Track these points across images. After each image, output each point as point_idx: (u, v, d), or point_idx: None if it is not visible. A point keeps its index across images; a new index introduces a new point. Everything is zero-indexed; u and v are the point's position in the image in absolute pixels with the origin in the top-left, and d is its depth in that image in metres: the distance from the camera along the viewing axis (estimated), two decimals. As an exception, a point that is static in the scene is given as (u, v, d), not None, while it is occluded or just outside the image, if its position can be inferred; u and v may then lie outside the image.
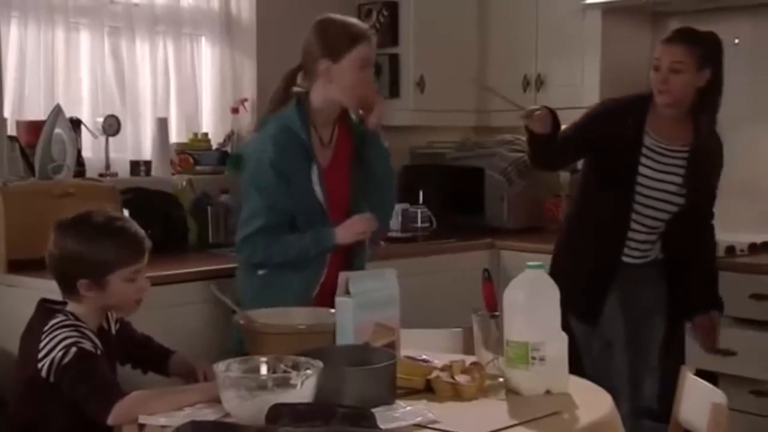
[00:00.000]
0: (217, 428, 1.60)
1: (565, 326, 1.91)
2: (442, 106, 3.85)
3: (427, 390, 1.84)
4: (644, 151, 2.67)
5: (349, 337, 1.94)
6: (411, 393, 1.82)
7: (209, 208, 3.38)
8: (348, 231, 2.46)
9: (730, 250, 3.18)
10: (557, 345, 1.86)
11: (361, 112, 2.55)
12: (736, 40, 3.51)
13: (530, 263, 1.90)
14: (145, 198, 3.12)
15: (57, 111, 2.94)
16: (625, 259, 2.74)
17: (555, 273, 1.93)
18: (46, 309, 2.03)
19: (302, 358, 1.72)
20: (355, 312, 1.94)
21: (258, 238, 2.44)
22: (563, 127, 2.77)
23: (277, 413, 1.54)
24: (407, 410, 1.71)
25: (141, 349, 2.15)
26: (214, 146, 3.61)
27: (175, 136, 3.51)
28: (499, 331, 1.91)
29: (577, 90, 3.65)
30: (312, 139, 2.49)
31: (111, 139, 3.24)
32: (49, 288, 2.46)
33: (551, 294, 1.88)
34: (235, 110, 3.63)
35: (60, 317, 1.97)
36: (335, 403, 1.62)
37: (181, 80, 3.54)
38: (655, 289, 2.76)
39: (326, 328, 2.02)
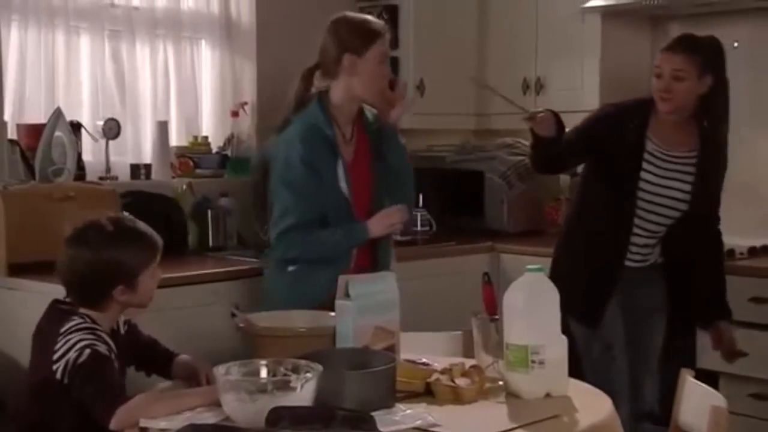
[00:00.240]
0: (217, 431, 1.60)
1: (565, 329, 1.91)
2: (441, 109, 3.85)
3: (427, 393, 1.84)
4: (646, 156, 2.67)
5: (349, 340, 1.95)
6: (411, 396, 1.82)
7: (209, 211, 3.38)
8: (380, 224, 2.52)
9: (730, 253, 3.18)
10: (557, 348, 1.86)
11: (377, 109, 2.61)
12: (735, 44, 3.51)
13: (530, 266, 1.91)
14: (145, 201, 3.12)
15: (57, 114, 2.94)
16: (626, 263, 2.74)
17: (555, 276, 1.93)
18: (59, 311, 2.04)
19: (302, 362, 1.72)
20: (354, 315, 1.95)
21: (292, 234, 2.49)
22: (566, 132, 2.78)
23: (277, 416, 1.54)
24: (407, 413, 1.71)
25: (146, 351, 2.15)
26: (214, 149, 3.61)
27: (175, 140, 3.52)
28: (499, 335, 1.91)
29: (577, 93, 3.66)
30: (336, 135, 2.55)
31: (111, 142, 3.24)
32: (49, 291, 2.46)
33: (551, 297, 1.88)
34: (235, 113, 3.63)
35: (77, 320, 1.98)
36: (335, 406, 1.62)
37: (181, 83, 3.54)
38: (656, 292, 2.75)
39: (326, 331, 2.02)
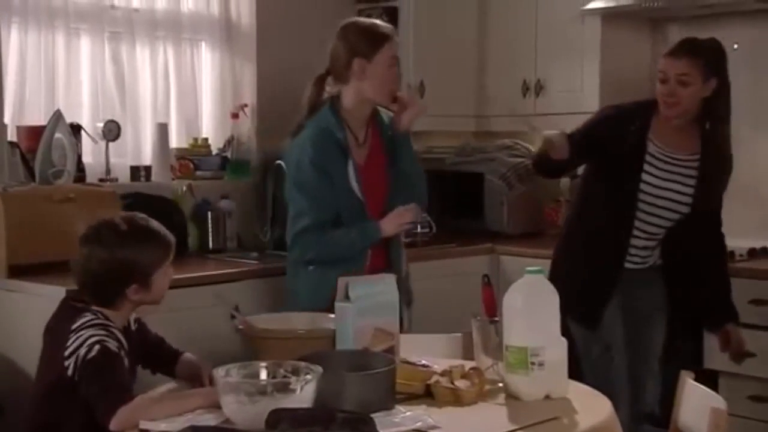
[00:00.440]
0: (217, 433, 1.61)
1: (564, 330, 1.91)
2: (441, 111, 3.85)
3: (427, 395, 1.84)
4: (647, 158, 2.67)
5: (349, 342, 1.95)
6: (410, 398, 1.82)
7: (209, 213, 3.38)
8: (392, 223, 2.57)
9: (730, 255, 3.17)
10: (557, 350, 1.86)
11: (393, 110, 2.66)
12: (735, 46, 3.50)
13: (530, 268, 1.91)
14: (145, 203, 3.11)
15: (57, 116, 2.94)
16: (626, 264, 2.74)
17: (554, 277, 1.94)
18: (71, 308, 2.04)
19: (302, 363, 1.72)
20: (354, 317, 1.95)
21: (307, 235, 2.55)
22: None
23: (277, 418, 1.54)
24: (407, 415, 1.71)
25: (153, 349, 2.16)
26: (214, 151, 3.61)
27: (175, 142, 3.52)
28: (498, 336, 1.91)
29: (577, 95, 3.66)
30: (347, 138, 2.60)
31: (111, 144, 3.24)
32: (50, 293, 2.47)
33: (551, 299, 1.88)
34: (235, 115, 3.63)
35: (89, 316, 1.99)
36: (335, 408, 1.62)
37: (181, 85, 3.54)
38: (656, 293, 2.76)
39: (326, 333, 2.02)
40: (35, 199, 2.76)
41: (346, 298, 1.97)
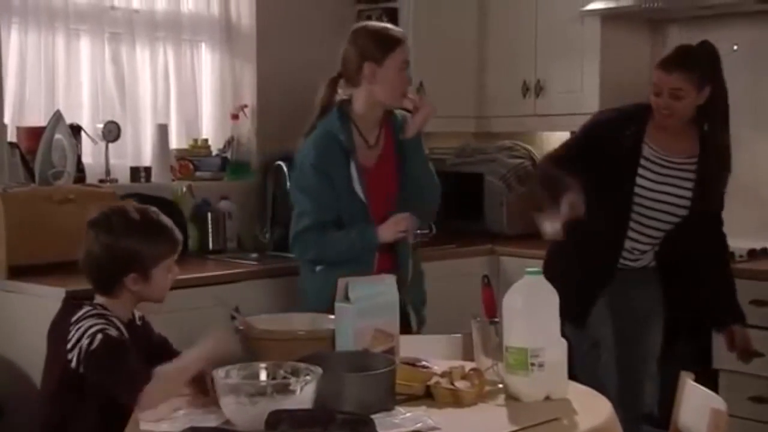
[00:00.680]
0: (217, 434, 1.61)
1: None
2: (441, 111, 3.79)
3: (427, 396, 1.84)
4: (642, 161, 2.67)
5: (349, 342, 1.95)
6: (410, 399, 1.82)
7: (209, 214, 3.38)
8: (389, 230, 2.58)
9: (730, 256, 3.18)
10: (557, 351, 1.86)
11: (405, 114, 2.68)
12: (735, 47, 3.51)
13: (529, 269, 1.91)
14: (144, 204, 3.12)
15: (57, 117, 2.95)
16: (623, 263, 2.74)
17: (546, 277, 1.93)
18: (72, 305, 2.06)
19: (301, 364, 1.72)
20: (354, 318, 1.95)
21: (308, 234, 2.59)
22: (564, 141, 2.85)
23: (277, 419, 1.54)
24: (407, 416, 1.71)
25: (156, 349, 2.16)
26: (214, 152, 3.61)
27: (175, 142, 3.52)
28: (498, 337, 1.91)
29: (577, 96, 3.66)
30: (354, 140, 2.62)
31: (111, 145, 3.24)
32: (49, 293, 2.47)
33: (550, 300, 1.88)
34: (235, 116, 3.63)
35: (87, 308, 2.01)
36: (334, 409, 1.62)
37: (181, 86, 3.54)
38: (652, 293, 2.75)
39: (325, 333, 2.02)
40: (35, 200, 2.76)
41: (346, 298, 1.97)
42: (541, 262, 2.73)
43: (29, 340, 2.57)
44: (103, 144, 3.23)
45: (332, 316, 2.02)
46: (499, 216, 3.81)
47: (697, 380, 1.99)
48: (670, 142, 2.69)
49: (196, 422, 1.68)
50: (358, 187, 2.58)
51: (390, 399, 1.76)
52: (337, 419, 1.54)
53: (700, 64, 2.62)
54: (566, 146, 2.86)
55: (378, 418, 1.62)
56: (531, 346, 1.82)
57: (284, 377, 1.70)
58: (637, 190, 2.67)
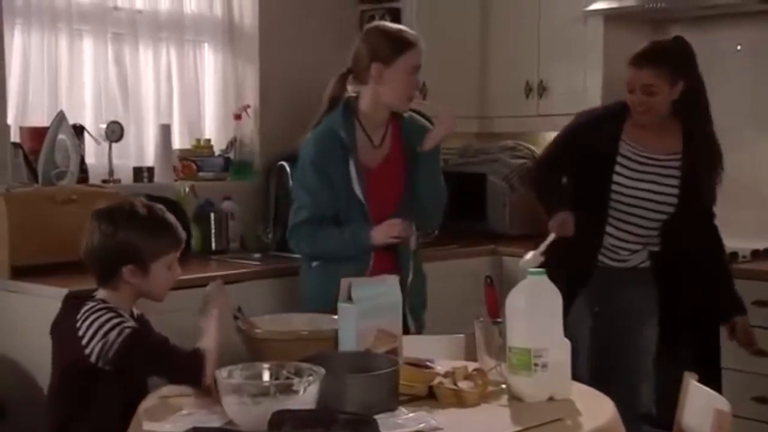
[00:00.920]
0: (220, 434, 1.61)
1: None
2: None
3: (430, 396, 1.84)
4: (620, 159, 2.68)
5: (352, 343, 1.95)
6: (413, 399, 1.82)
7: (212, 214, 3.38)
8: (382, 233, 2.57)
9: (733, 256, 3.17)
10: (560, 351, 1.86)
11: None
12: (738, 47, 3.51)
13: (532, 269, 1.91)
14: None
15: (60, 117, 2.95)
16: (608, 262, 2.74)
17: None
18: (72, 303, 2.07)
19: (304, 365, 1.72)
20: (357, 318, 1.94)
21: (303, 228, 2.60)
22: (547, 145, 2.88)
23: (280, 419, 1.53)
24: (410, 417, 1.71)
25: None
26: (217, 153, 3.61)
27: (177, 143, 3.52)
28: (502, 338, 1.90)
29: (580, 96, 3.65)
30: (357, 139, 2.61)
31: (114, 145, 3.24)
32: (52, 294, 2.47)
33: (553, 300, 1.88)
34: (237, 116, 3.63)
35: (90, 303, 2.02)
36: (337, 409, 1.62)
37: (184, 87, 3.54)
38: (642, 293, 2.74)
39: (328, 334, 2.02)
40: (38, 200, 2.76)
41: (349, 299, 1.97)
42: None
43: (32, 340, 2.57)
44: (106, 144, 3.23)
45: (335, 317, 2.02)
46: (502, 216, 3.81)
47: (700, 381, 1.99)
48: (649, 139, 2.70)
49: (199, 422, 1.68)
50: (357, 187, 2.57)
51: (393, 399, 1.76)
52: (339, 420, 1.54)
53: (670, 59, 2.63)
54: (549, 150, 2.90)
55: (381, 419, 1.62)
56: (534, 346, 1.82)
57: (287, 377, 1.70)
58: (614, 187, 2.68)
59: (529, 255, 2.59)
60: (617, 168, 2.68)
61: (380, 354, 1.92)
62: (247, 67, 3.68)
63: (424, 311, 2.74)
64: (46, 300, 2.50)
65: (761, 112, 3.55)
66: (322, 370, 1.67)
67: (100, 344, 1.94)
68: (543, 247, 2.59)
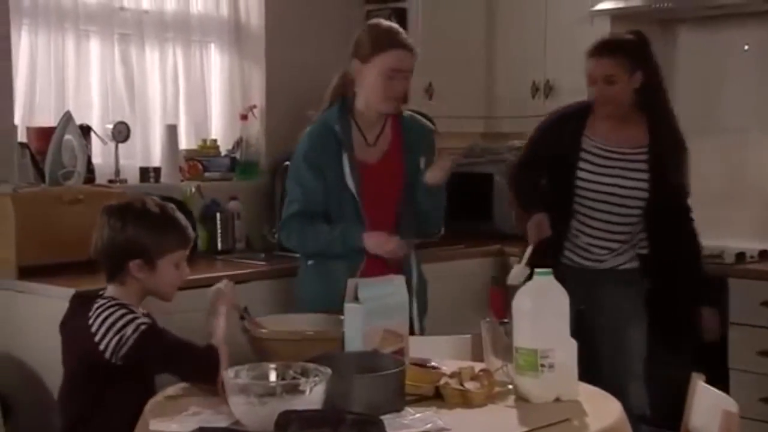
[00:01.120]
0: (226, 434, 1.61)
1: None
2: (450, 112, 3.84)
3: (436, 397, 1.84)
4: (582, 155, 2.72)
5: (358, 343, 1.94)
6: (420, 400, 1.82)
7: (218, 214, 3.39)
8: (376, 243, 2.51)
9: (740, 257, 3.17)
10: (566, 352, 1.86)
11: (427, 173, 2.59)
12: (746, 47, 3.50)
13: (539, 270, 1.90)
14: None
15: (67, 117, 2.95)
16: (580, 262, 2.76)
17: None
18: (80, 302, 2.09)
19: (311, 365, 1.71)
20: (363, 318, 1.94)
21: (294, 222, 2.58)
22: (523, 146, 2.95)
23: (287, 420, 1.53)
24: (416, 417, 1.71)
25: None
26: (223, 153, 3.62)
27: (184, 143, 3.52)
28: (508, 338, 1.90)
29: (586, 96, 3.64)
30: (353, 136, 2.58)
31: (120, 145, 3.25)
32: (59, 294, 2.47)
33: (560, 301, 1.88)
34: (244, 117, 3.63)
35: (102, 300, 2.04)
36: (344, 409, 1.62)
37: (191, 87, 3.55)
38: (622, 295, 2.74)
39: (335, 334, 2.02)
40: (45, 200, 2.77)
41: (356, 299, 1.97)
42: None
43: (38, 340, 2.58)
44: (112, 144, 3.23)
45: (341, 317, 2.02)
46: (508, 216, 3.80)
47: (707, 381, 1.99)
48: (613, 133, 2.74)
49: (206, 422, 1.69)
50: (350, 182, 2.54)
51: (399, 400, 1.76)
52: (346, 420, 1.54)
53: (628, 49, 2.71)
54: (523, 151, 2.96)
55: (387, 419, 1.62)
56: (541, 347, 1.82)
57: (294, 378, 1.70)
58: (579, 183, 2.71)
59: (515, 270, 2.62)
60: (580, 164, 2.72)
61: (387, 354, 1.91)
62: (253, 67, 3.69)
63: (425, 316, 2.69)
64: (52, 300, 2.51)
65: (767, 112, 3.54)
66: (329, 371, 1.67)
67: (115, 339, 1.95)
68: (525, 259, 2.62)
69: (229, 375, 1.69)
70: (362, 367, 1.81)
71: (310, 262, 2.64)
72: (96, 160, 3.21)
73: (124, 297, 2.06)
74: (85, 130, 3.11)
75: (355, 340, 1.95)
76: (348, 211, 2.55)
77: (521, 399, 1.84)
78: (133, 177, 3.32)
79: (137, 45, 3.38)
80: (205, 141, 3.59)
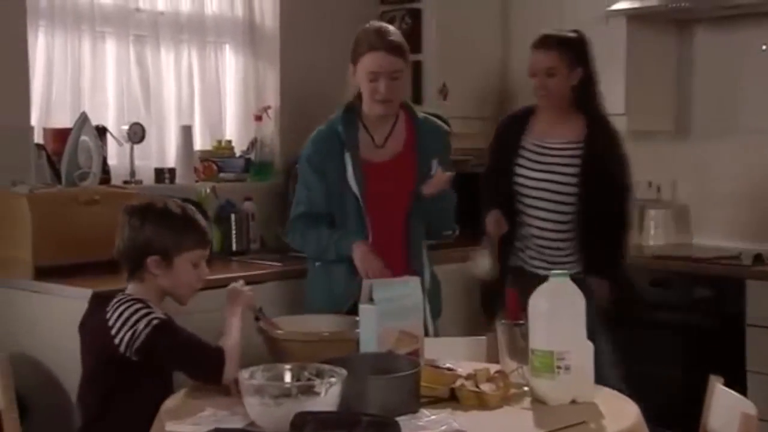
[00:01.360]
0: (242, 435, 1.61)
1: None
2: (464, 113, 3.83)
3: (452, 398, 1.83)
4: (521, 151, 2.81)
5: (373, 344, 1.94)
6: (435, 401, 1.81)
7: (233, 215, 3.39)
8: (362, 261, 2.48)
9: (758, 258, 3.14)
10: (583, 354, 1.85)
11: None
12: (764, 47, 3.47)
13: (554, 272, 1.89)
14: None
15: (83, 119, 2.96)
16: (535, 265, 2.80)
17: None
18: (99, 301, 2.11)
19: (326, 366, 1.71)
20: (378, 320, 1.94)
21: (299, 223, 2.61)
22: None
23: (302, 421, 1.53)
24: (432, 419, 1.71)
25: None
26: (238, 153, 3.62)
27: (199, 144, 3.53)
28: (524, 340, 1.89)
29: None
30: (359, 137, 2.58)
31: (136, 146, 3.25)
32: (75, 294, 2.48)
33: (576, 302, 1.87)
34: (258, 117, 3.64)
35: (119, 296, 2.07)
36: (359, 411, 1.61)
37: (205, 88, 3.56)
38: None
39: (350, 335, 2.01)
40: (61, 201, 2.78)
41: (370, 300, 1.96)
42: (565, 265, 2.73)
43: (55, 340, 2.59)
44: (128, 145, 3.24)
45: (357, 318, 2.02)
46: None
47: (725, 384, 1.97)
48: (548, 129, 2.83)
49: (221, 423, 1.69)
50: (352, 182, 2.54)
51: (415, 401, 1.76)
52: (362, 422, 1.53)
53: (572, 45, 2.81)
54: (486, 159, 3.05)
55: (403, 421, 1.62)
56: (557, 349, 1.81)
57: (309, 379, 1.70)
58: (518, 179, 2.79)
59: (480, 262, 2.74)
60: (519, 160, 2.80)
61: (402, 355, 1.91)
62: (267, 68, 3.69)
63: (438, 319, 2.67)
64: (68, 300, 2.52)
65: (786, 113, 3.51)
66: (344, 372, 1.67)
67: (128, 333, 1.97)
68: (491, 254, 2.73)
69: (244, 376, 1.68)
70: (377, 369, 1.80)
71: (317, 264, 2.65)
72: (111, 161, 3.22)
73: (142, 295, 2.08)
74: (101, 131, 3.12)
75: (370, 342, 1.94)
76: (350, 211, 2.55)
77: (537, 401, 1.84)
78: (148, 178, 3.33)
79: (152, 46, 3.39)
80: (219, 142, 3.60)
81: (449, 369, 1.93)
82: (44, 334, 2.67)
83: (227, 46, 3.66)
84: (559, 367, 1.80)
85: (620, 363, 2.72)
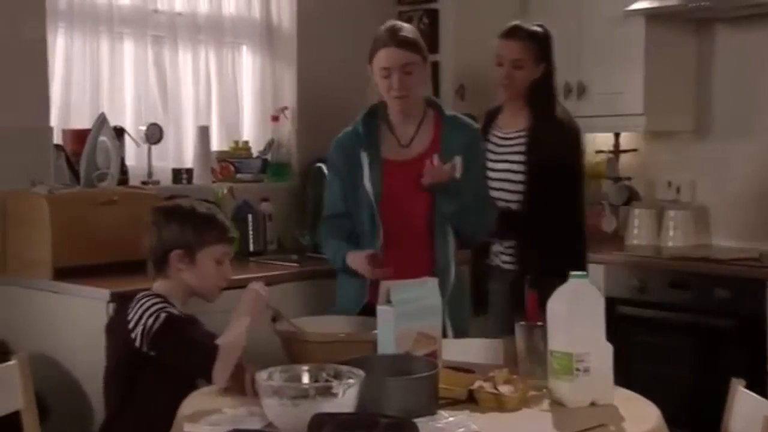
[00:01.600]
0: (260, 436, 1.61)
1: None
2: (481, 113, 3.81)
3: (470, 400, 1.82)
4: (489, 146, 2.86)
5: (391, 346, 1.93)
6: (453, 403, 1.80)
7: (250, 216, 3.40)
8: (355, 262, 2.49)
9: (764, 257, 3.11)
10: (602, 356, 1.83)
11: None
12: (784, 46, 3.44)
13: (574, 273, 1.88)
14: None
15: (101, 120, 2.98)
16: (498, 263, 2.83)
17: None
18: (124, 301, 2.15)
19: (344, 367, 1.71)
20: (396, 321, 1.93)
21: (325, 226, 2.65)
22: None
23: (320, 422, 1.53)
24: (450, 420, 1.70)
25: None
26: (255, 154, 3.63)
27: (216, 144, 3.54)
28: (543, 342, 1.88)
29: (619, 97, 3.61)
30: (382, 137, 2.58)
31: (153, 147, 3.27)
32: (94, 295, 2.50)
33: (596, 304, 1.85)
34: (275, 118, 3.65)
35: (144, 293, 2.11)
36: (377, 412, 1.61)
37: (223, 89, 3.57)
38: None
39: (368, 336, 2.01)
40: (80, 202, 2.79)
41: (388, 302, 1.96)
42: (589, 267, 2.73)
43: (74, 340, 2.60)
44: (145, 146, 3.26)
45: (374, 319, 2.01)
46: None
47: (747, 386, 1.95)
48: (505, 120, 2.89)
49: (239, 424, 1.69)
50: (367, 181, 2.52)
51: (433, 403, 1.75)
52: (380, 423, 1.53)
53: (539, 39, 2.85)
54: None
55: (421, 422, 1.61)
56: (576, 351, 1.80)
57: (327, 380, 1.69)
58: (488, 172, 2.80)
59: None
60: (488, 155, 2.84)
61: (420, 357, 1.90)
62: (284, 68, 3.70)
63: (467, 322, 2.63)
64: (87, 301, 2.53)
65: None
66: (362, 373, 1.67)
67: (141, 327, 2.01)
68: None
69: (262, 377, 1.68)
70: (395, 370, 1.80)
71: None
72: (129, 161, 3.24)
73: (166, 292, 2.12)
74: (119, 132, 3.14)
75: (387, 343, 1.94)
76: (365, 211, 2.53)
77: (556, 403, 1.82)
78: (165, 178, 3.34)
79: (170, 47, 3.41)
80: (236, 142, 3.60)
81: (467, 371, 1.92)
82: (63, 334, 2.68)
83: (244, 47, 3.66)
84: (578, 369, 1.79)
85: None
